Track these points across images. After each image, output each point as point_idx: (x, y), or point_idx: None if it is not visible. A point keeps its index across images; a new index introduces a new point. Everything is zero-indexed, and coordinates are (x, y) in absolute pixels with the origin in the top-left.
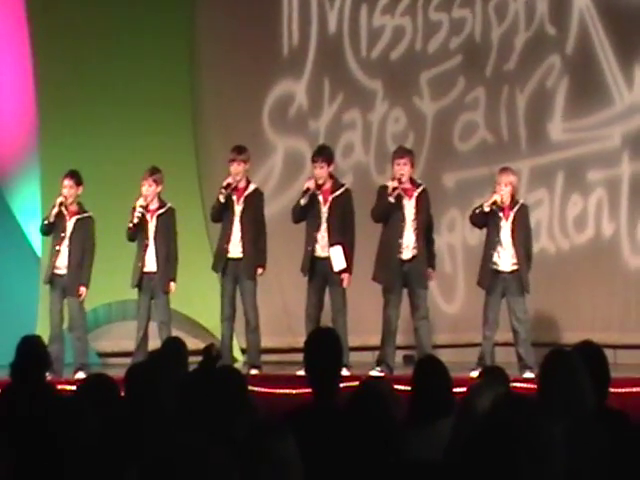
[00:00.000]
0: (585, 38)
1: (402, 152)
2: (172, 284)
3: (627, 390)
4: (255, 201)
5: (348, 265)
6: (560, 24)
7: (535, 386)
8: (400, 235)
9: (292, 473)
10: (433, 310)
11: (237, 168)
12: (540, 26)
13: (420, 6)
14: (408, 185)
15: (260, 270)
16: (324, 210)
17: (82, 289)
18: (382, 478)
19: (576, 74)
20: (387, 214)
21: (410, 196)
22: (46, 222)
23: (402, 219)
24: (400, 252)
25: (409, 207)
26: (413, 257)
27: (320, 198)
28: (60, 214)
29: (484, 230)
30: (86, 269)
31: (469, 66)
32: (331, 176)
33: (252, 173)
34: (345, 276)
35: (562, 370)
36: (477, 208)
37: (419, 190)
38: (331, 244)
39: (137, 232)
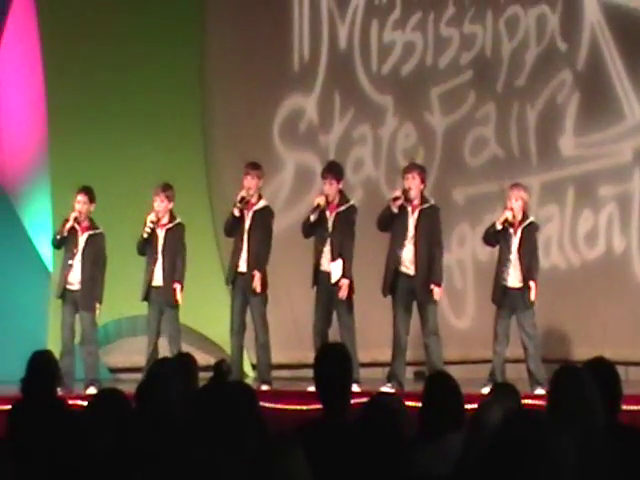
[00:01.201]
0: (596, 53)
1: (412, 166)
2: (178, 295)
3: (639, 407)
4: (263, 218)
5: (346, 277)
6: (571, 39)
7: (545, 402)
8: (401, 248)
9: None
10: (443, 326)
11: (250, 182)
12: (551, 41)
13: (431, 21)
14: (417, 200)
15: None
16: (329, 225)
17: (97, 305)
18: None
19: (587, 89)
20: (388, 223)
21: (414, 210)
22: (59, 236)
23: (404, 232)
24: (401, 265)
25: (411, 221)
26: (416, 272)
27: (327, 213)
28: (72, 229)
29: (495, 247)
30: (99, 285)
31: (480, 81)
32: (340, 192)
33: (262, 188)
34: (342, 284)
35: (572, 386)
36: (490, 228)
37: (424, 206)
38: (333, 258)
39: (147, 246)
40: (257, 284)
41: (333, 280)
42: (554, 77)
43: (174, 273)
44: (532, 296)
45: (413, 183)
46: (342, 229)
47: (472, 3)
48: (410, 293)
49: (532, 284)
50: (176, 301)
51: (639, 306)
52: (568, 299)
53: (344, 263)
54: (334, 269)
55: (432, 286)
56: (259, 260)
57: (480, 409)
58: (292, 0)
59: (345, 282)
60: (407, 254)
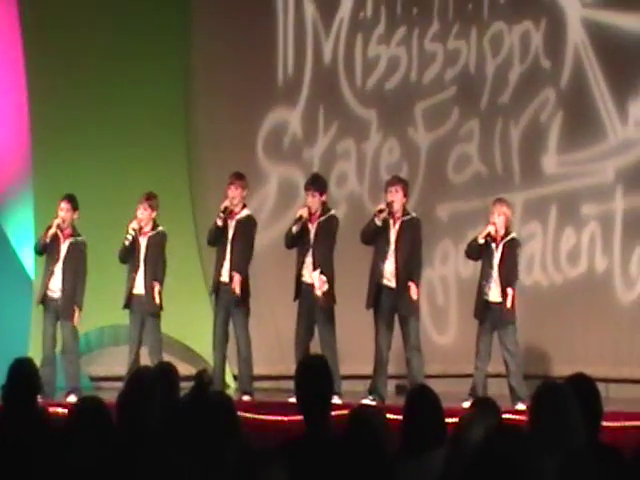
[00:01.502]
0: (580, 72)
1: (394, 180)
2: (156, 295)
3: (619, 424)
4: (245, 227)
5: (330, 286)
6: (555, 58)
7: (526, 418)
8: (383, 261)
9: None
10: (425, 341)
11: (234, 192)
12: (535, 60)
13: (415, 37)
14: (399, 213)
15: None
16: (311, 236)
17: (76, 312)
18: None
19: (570, 108)
20: (372, 237)
21: (395, 223)
22: (41, 242)
23: (386, 245)
24: (383, 277)
25: (393, 233)
26: (397, 284)
27: (309, 225)
28: (55, 236)
29: (478, 262)
30: (79, 292)
31: (464, 98)
32: (323, 204)
33: (246, 201)
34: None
35: (553, 403)
36: (472, 241)
37: (405, 218)
38: (314, 268)
39: (129, 254)
40: (236, 286)
41: (318, 292)
42: (537, 95)
43: (155, 278)
44: (508, 304)
45: (396, 196)
46: (322, 239)
47: (456, 19)
48: (392, 306)
49: (510, 291)
50: (157, 305)
51: (620, 324)
52: (550, 316)
53: (325, 274)
54: (316, 279)
55: (409, 283)
56: (239, 266)
57: (461, 425)
58: (277, 14)
59: (324, 283)
60: (389, 267)
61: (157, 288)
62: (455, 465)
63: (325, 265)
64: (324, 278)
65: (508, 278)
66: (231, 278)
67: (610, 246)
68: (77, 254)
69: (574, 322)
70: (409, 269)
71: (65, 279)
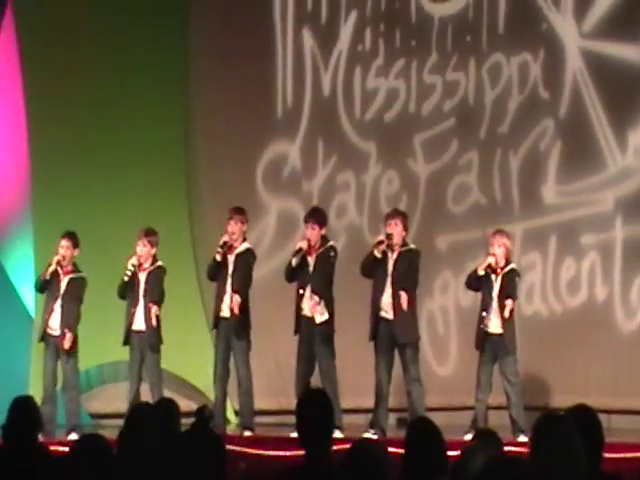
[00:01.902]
0: (578, 102)
1: (394, 213)
2: (153, 315)
3: (621, 455)
4: (244, 260)
5: (330, 315)
6: (553, 88)
7: (528, 449)
8: (381, 293)
9: None
10: (425, 372)
11: (234, 227)
12: (533, 90)
13: (414, 68)
14: (398, 246)
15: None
16: (310, 269)
17: (67, 335)
18: None
19: (569, 138)
20: (371, 269)
21: (393, 254)
22: (41, 279)
23: (384, 277)
24: (381, 310)
25: (390, 265)
26: (395, 316)
27: (308, 258)
28: (55, 273)
29: (478, 292)
30: (73, 318)
31: (463, 129)
32: (322, 237)
33: (246, 234)
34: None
35: (555, 434)
36: (472, 273)
37: (403, 249)
38: (311, 297)
39: (128, 290)
40: (235, 307)
41: (318, 321)
42: (536, 125)
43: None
44: (507, 313)
45: (395, 230)
46: (321, 269)
47: (455, 51)
48: (391, 338)
49: (509, 302)
50: (157, 338)
51: (621, 354)
52: (550, 346)
53: (323, 300)
54: (312, 304)
55: (400, 292)
56: (239, 292)
57: (463, 455)
58: (276, 46)
59: (316, 304)
60: (386, 298)
61: (154, 310)
62: None
63: (324, 293)
64: (317, 299)
65: (507, 294)
66: (231, 312)
67: (610, 275)
68: (75, 288)
69: (575, 352)
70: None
71: (64, 315)
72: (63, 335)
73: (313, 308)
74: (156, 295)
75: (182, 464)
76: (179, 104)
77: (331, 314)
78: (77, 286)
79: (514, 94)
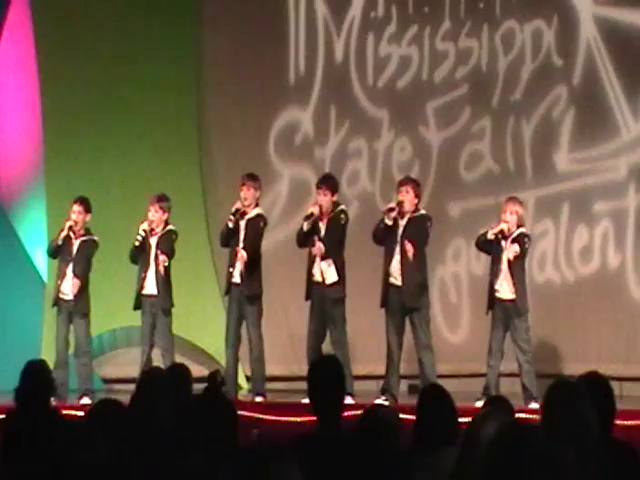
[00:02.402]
0: (592, 69)
1: (406, 180)
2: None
3: (632, 422)
4: (254, 225)
5: (341, 277)
6: (567, 55)
7: (540, 417)
8: (390, 259)
9: None
10: (437, 340)
11: (246, 193)
12: (547, 57)
13: (427, 36)
14: (409, 213)
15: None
16: (321, 234)
17: (75, 280)
18: None
19: (582, 105)
20: (382, 236)
21: (403, 220)
22: (53, 244)
23: (394, 244)
24: (390, 276)
25: (400, 231)
26: (403, 282)
27: (320, 223)
28: (67, 238)
29: (489, 259)
30: (81, 271)
31: (475, 96)
32: (334, 204)
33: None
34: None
35: (567, 401)
36: (482, 235)
37: (414, 215)
38: (322, 259)
39: (139, 253)
40: (241, 261)
41: (328, 281)
42: (549, 92)
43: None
44: (511, 254)
45: (406, 197)
46: (332, 233)
47: (468, 18)
48: (401, 305)
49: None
50: (169, 301)
51: (633, 321)
52: (562, 314)
53: (336, 264)
54: (326, 269)
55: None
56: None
57: (475, 422)
58: (288, 13)
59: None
60: (395, 265)
61: (163, 258)
62: (467, 462)
63: (334, 255)
64: (330, 262)
65: (518, 273)
66: (241, 277)
67: (623, 243)
68: (85, 251)
69: (587, 320)
70: (415, 264)
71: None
72: (75, 298)
73: (326, 270)
74: (166, 249)
75: (194, 429)
76: (192, 71)
77: (342, 278)
78: (87, 247)
79: (527, 61)
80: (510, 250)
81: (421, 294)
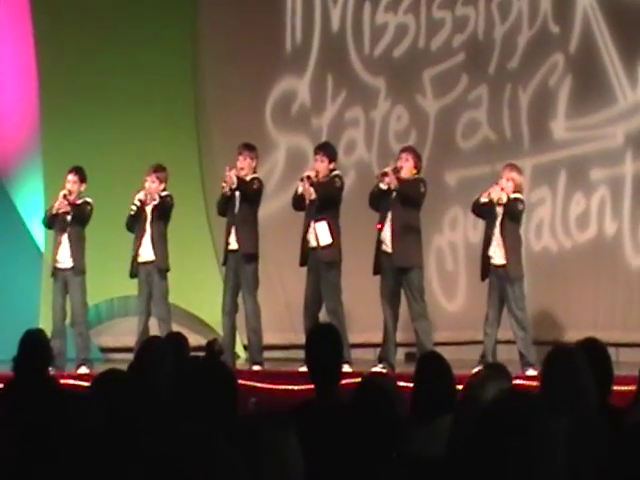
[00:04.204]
0: (588, 37)
1: (408, 148)
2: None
3: (630, 388)
4: (248, 189)
5: (336, 241)
6: (563, 23)
7: (538, 383)
8: (383, 226)
9: (293, 466)
10: (435, 308)
11: (243, 162)
12: (543, 24)
13: (423, 4)
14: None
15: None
16: (314, 195)
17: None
18: (384, 473)
19: (579, 73)
20: (377, 200)
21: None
22: (49, 214)
23: (386, 209)
24: (382, 244)
25: (393, 196)
26: (394, 243)
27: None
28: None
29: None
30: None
31: (472, 64)
32: (331, 172)
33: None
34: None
35: (565, 367)
36: (477, 199)
37: (408, 178)
38: (316, 220)
39: (135, 222)
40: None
41: (322, 243)
42: (546, 60)
43: (163, 249)
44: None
45: (406, 165)
46: (324, 195)
47: None
48: (393, 272)
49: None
50: (164, 262)
51: (630, 288)
52: (559, 282)
53: (330, 225)
54: (320, 231)
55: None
56: (250, 235)
57: (470, 388)
58: None
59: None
60: (387, 232)
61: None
62: (463, 429)
63: (329, 218)
64: (323, 224)
65: (512, 239)
66: (238, 244)
67: (620, 210)
68: (79, 213)
69: (584, 287)
70: (406, 222)
71: (73, 248)
72: (72, 267)
73: (318, 229)
74: (162, 213)
75: (193, 397)
76: (187, 41)
77: (337, 243)
78: (81, 209)
79: (524, 29)
80: (495, 192)
81: (413, 254)
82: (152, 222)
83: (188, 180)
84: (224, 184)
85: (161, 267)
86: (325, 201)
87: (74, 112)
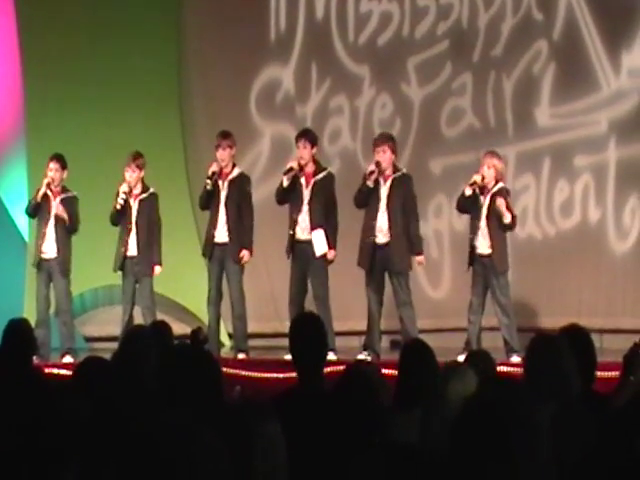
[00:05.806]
0: (572, 24)
1: (381, 139)
2: (157, 267)
3: (613, 374)
4: (239, 185)
5: (331, 249)
6: (547, 10)
7: (522, 370)
8: (374, 218)
9: (276, 454)
10: (419, 295)
11: (223, 154)
12: (527, 12)
13: None
14: (389, 171)
15: (246, 253)
16: (306, 193)
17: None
18: (367, 461)
19: (563, 60)
20: (365, 199)
21: (386, 180)
22: (33, 203)
23: (377, 203)
24: (374, 235)
25: (384, 191)
26: (388, 242)
27: (302, 181)
28: (45, 196)
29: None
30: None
31: (456, 52)
32: (314, 160)
33: (239, 158)
34: (330, 253)
35: (548, 354)
36: (461, 195)
37: (396, 175)
38: (313, 228)
39: (120, 216)
40: (244, 256)
41: (318, 253)
42: (530, 47)
43: (150, 248)
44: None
45: (383, 157)
46: (323, 199)
47: None
48: (382, 263)
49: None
50: (153, 273)
51: (613, 275)
52: (543, 268)
53: (327, 233)
54: (316, 240)
55: (414, 257)
56: (246, 234)
57: (445, 375)
58: None
59: (332, 253)
60: (381, 223)
61: (157, 271)
62: (434, 416)
63: (328, 221)
64: (320, 232)
65: (498, 227)
66: (235, 241)
67: (603, 197)
68: (70, 208)
69: (568, 274)
70: (403, 226)
71: (58, 238)
72: (56, 257)
73: (322, 248)
74: (155, 232)
75: (178, 385)
76: (172, 29)
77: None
78: (70, 205)
79: (508, 16)
80: (498, 205)
81: (407, 257)
82: (138, 221)
83: (172, 169)
84: (208, 180)
85: (147, 272)
86: (321, 206)
87: (58, 100)
